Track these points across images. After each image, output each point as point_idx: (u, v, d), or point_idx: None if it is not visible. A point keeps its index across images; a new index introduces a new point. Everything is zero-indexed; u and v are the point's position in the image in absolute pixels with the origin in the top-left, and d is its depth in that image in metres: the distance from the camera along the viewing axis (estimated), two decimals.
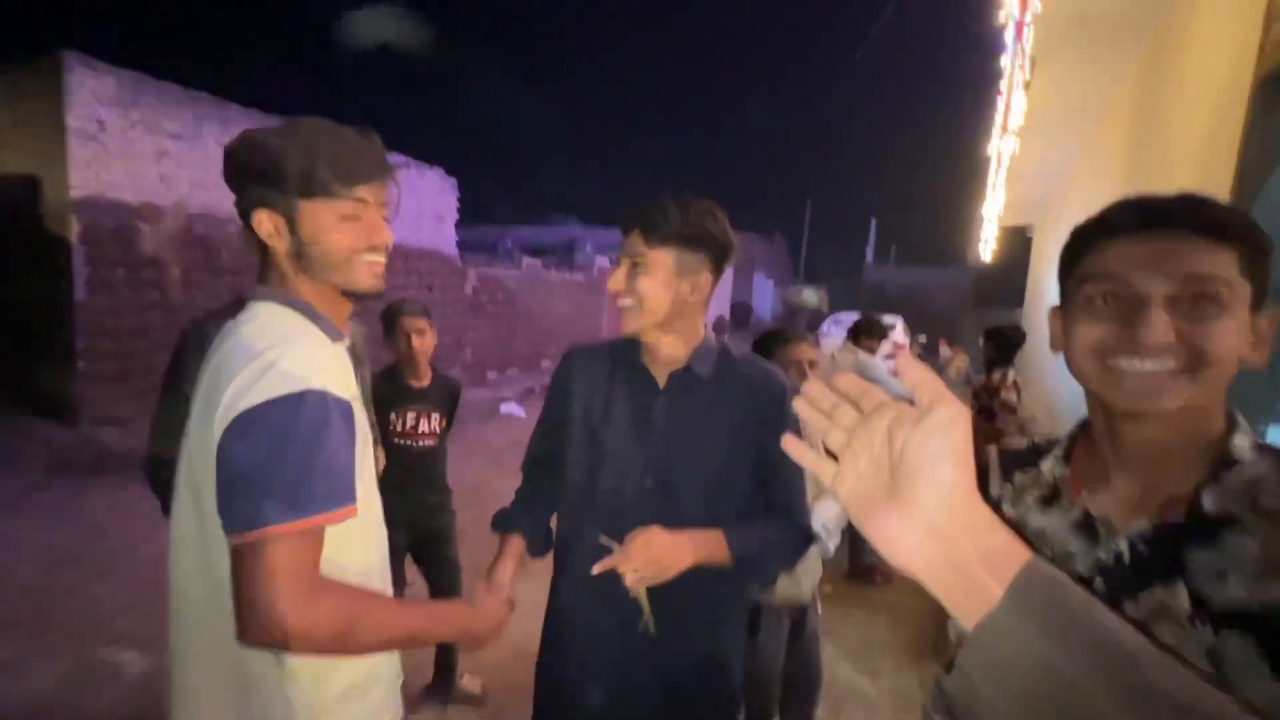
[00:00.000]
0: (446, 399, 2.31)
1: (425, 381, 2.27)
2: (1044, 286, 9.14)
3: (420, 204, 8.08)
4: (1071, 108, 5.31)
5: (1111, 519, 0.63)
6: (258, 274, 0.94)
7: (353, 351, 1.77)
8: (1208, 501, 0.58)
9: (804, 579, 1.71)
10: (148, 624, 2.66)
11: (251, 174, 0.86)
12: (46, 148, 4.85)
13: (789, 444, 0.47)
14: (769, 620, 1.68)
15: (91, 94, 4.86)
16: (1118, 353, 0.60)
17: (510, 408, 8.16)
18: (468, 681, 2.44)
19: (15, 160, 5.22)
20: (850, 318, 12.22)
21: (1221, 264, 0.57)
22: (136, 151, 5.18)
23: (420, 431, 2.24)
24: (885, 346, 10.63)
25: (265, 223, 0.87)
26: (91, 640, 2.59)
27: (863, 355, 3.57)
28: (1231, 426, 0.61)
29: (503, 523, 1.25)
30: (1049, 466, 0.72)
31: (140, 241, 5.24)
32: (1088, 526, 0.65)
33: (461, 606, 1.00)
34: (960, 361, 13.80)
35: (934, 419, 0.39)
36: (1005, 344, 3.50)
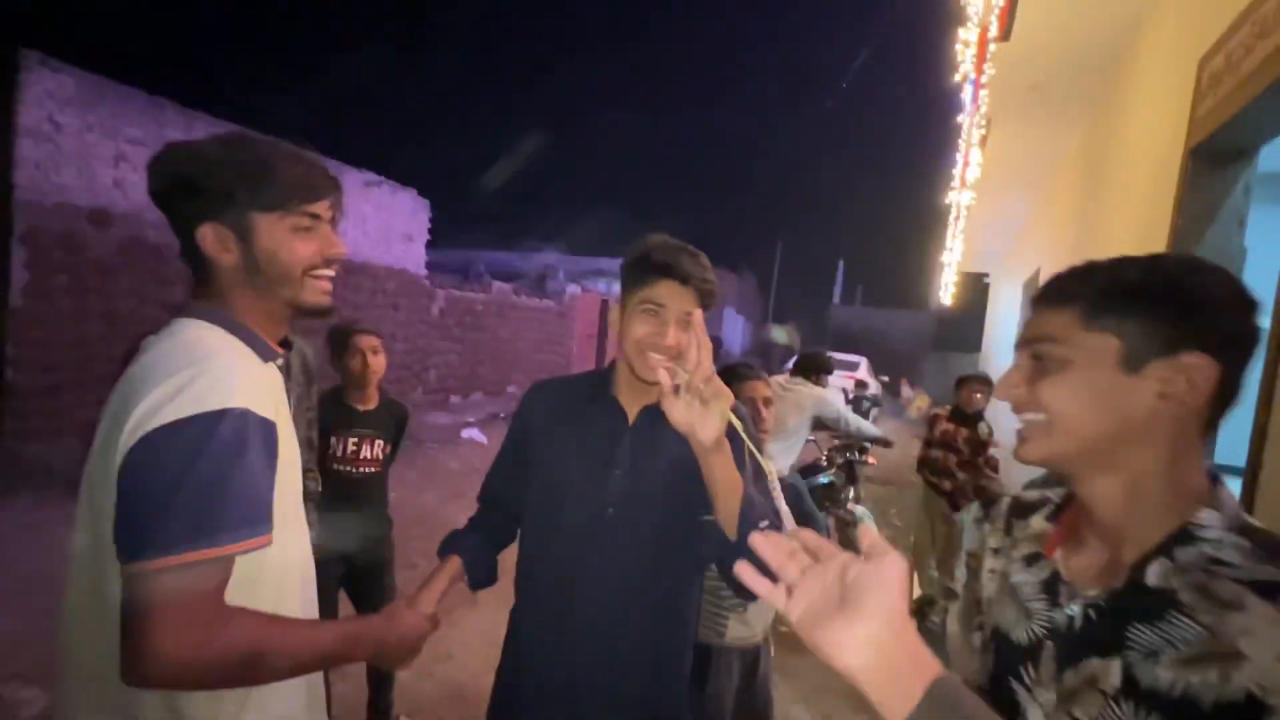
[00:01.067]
0: (392, 425, 2.23)
1: (371, 405, 2.19)
2: (1000, 330, 9.53)
3: (391, 223, 7.99)
4: (1024, 165, 5.62)
5: (1076, 583, 0.63)
6: (192, 289, 0.90)
7: (304, 369, 1.69)
8: (1151, 575, 0.57)
9: (755, 620, 1.68)
10: (49, 659, 2.45)
11: (194, 186, 0.83)
12: None
13: (742, 570, 0.54)
14: (719, 663, 1.64)
15: (47, 93, 4.70)
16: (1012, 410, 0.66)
17: (472, 433, 7.98)
18: None
19: None
20: None
21: (1055, 324, 0.62)
22: (92, 154, 5.00)
23: (362, 457, 2.15)
24: (840, 382, 10.74)
25: (211, 237, 0.84)
26: None
27: (817, 390, 3.56)
28: (1206, 500, 0.59)
29: (446, 547, 1.23)
30: (1037, 522, 0.72)
31: (87, 247, 5.02)
32: (1053, 586, 0.65)
33: (379, 621, 0.95)
34: (921, 401, 14.14)
35: (887, 558, 0.49)
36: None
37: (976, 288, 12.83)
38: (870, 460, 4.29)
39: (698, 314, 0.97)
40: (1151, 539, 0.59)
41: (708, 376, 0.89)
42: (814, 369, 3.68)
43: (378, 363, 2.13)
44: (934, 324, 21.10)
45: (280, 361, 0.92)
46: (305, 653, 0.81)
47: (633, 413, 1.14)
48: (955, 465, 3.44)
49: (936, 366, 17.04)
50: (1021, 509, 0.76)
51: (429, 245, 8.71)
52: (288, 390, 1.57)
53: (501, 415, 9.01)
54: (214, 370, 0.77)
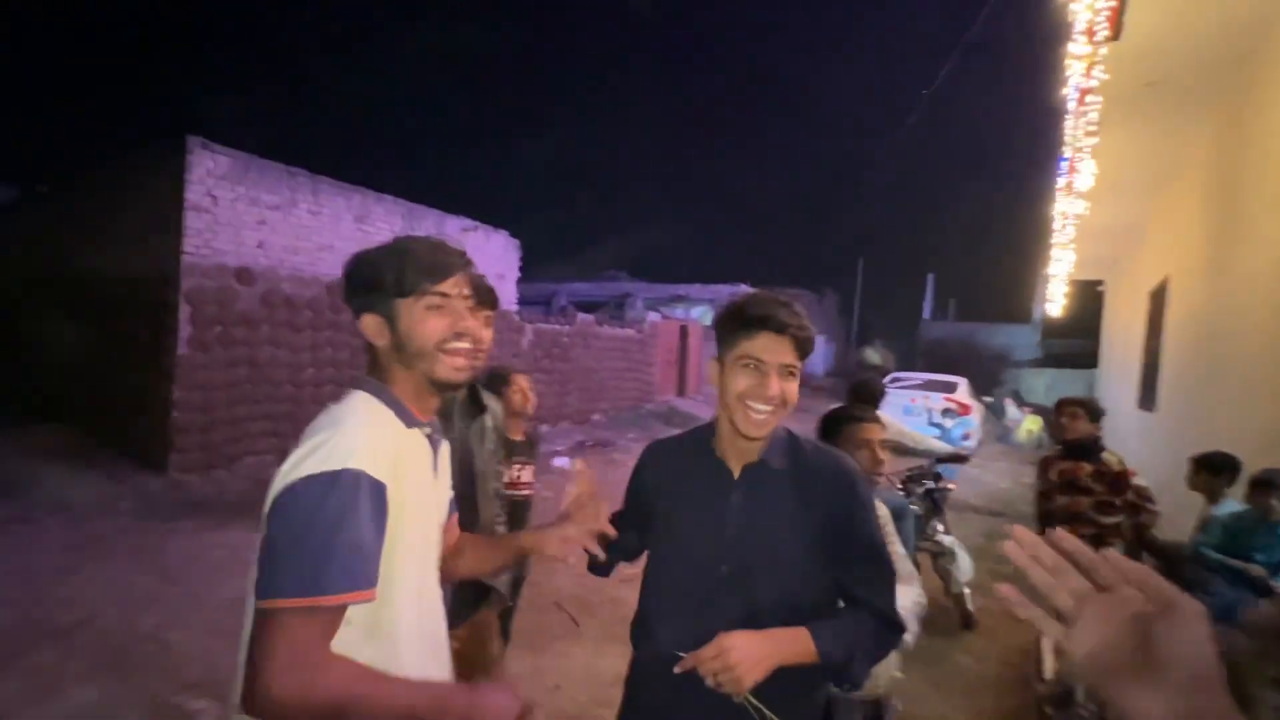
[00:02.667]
0: (533, 450, 2.52)
1: (521, 436, 2.46)
2: (1118, 342, 8.67)
3: (486, 265, 8.53)
4: (1142, 168, 5.19)
5: None
6: (366, 366, 1.04)
7: (496, 428, 1.83)
8: None
9: (879, 671, 1.62)
10: (217, 672, 2.75)
11: (360, 285, 0.99)
12: (165, 219, 5.45)
13: (1005, 591, 0.50)
14: (840, 715, 1.59)
15: (207, 172, 5.47)
16: None
17: (562, 462, 8.21)
18: None
19: (137, 229, 5.87)
20: (910, 377, 11.83)
21: None
22: (240, 221, 5.74)
23: (521, 482, 2.39)
24: (941, 403, 10.04)
25: (370, 325, 0.98)
26: (166, 687, 2.69)
27: (881, 416, 3.41)
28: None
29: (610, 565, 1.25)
30: None
31: (235, 302, 5.72)
32: None
33: (469, 693, 0.93)
34: (1032, 423, 12.98)
35: (1187, 610, 0.45)
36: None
37: (1090, 297, 11.79)
38: (950, 485, 3.97)
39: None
40: None
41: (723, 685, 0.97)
42: (870, 397, 3.48)
43: (533, 397, 2.50)
44: (1041, 338, 19.50)
45: (426, 430, 1.03)
46: (394, 709, 0.83)
47: (737, 469, 1.14)
48: (1091, 508, 2.88)
49: (1045, 383, 15.68)
50: None
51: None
52: (481, 446, 1.72)
53: (589, 443, 9.22)
54: (342, 434, 0.87)
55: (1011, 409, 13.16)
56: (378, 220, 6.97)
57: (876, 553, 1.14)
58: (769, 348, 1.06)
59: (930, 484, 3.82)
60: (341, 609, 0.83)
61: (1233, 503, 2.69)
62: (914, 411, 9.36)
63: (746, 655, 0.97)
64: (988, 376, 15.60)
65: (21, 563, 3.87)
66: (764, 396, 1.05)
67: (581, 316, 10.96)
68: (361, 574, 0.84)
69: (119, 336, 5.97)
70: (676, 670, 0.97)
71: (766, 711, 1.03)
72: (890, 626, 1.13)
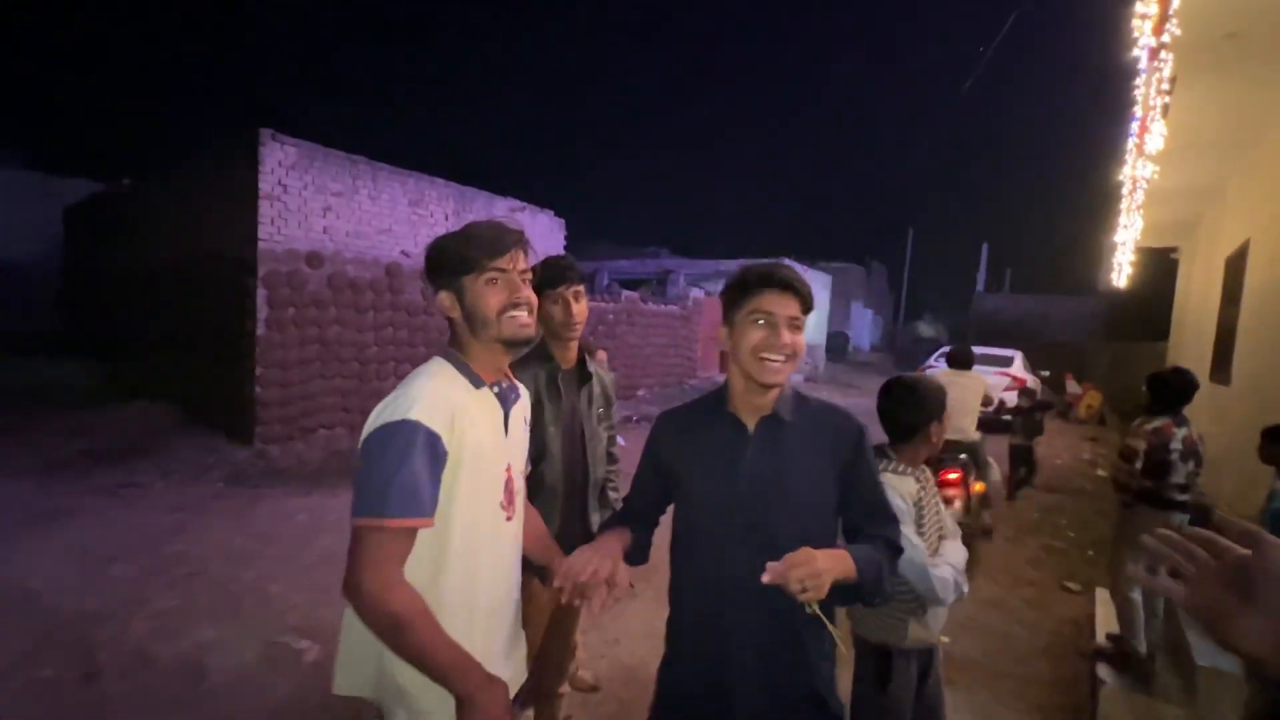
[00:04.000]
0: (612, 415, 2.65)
1: None
2: (1194, 313, 8.20)
3: (533, 244, 8.72)
4: (1221, 126, 4.88)
5: None
6: (449, 338, 1.20)
7: (604, 394, 2.01)
8: None
9: (933, 622, 1.71)
10: (315, 616, 3.06)
11: (434, 267, 1.16)
12: (241, 207, 5.82)
13: (1138, 575, 0.62)
14: (900, 667, 1.69)
15: (278, 162, 5.80)
16: None
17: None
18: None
19: (217, 218, 6.28)
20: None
21: None
22: (308, 208, 6.07)
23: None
24: (1003, 380, 9.79)
25: (445, 300, 1.15)
26: (273, 629, 3.02)
27: (982, 376, 4.07)
28: None
29: (613, 522, 1.35)
30: None
31: (306, 285, 6.09)
32: None
33: (480, 676, 1.02)
34: (1092, 399, 12.52)
35: (1269, 545, 0.54)
36: (1170, 394, 2.87)
37: (1160, 265, 11.13)
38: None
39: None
40: None
41: (808, 592, 1.02)
42: (965, 361, 4.55)
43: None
44: (1105, 309, 18.50)
45: (496, 389, 1.18)
46: (431, 653, 0.99)
47: (751, 424, 1.21)
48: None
49: (1110, 358, 14.91)
50: None
51: None
52: (590, 411, 1.87)
53: (635, 419, 9.40)
54: (408, 391, 1.06)
55: (1070, 384, 12.65)
56: (431, 204, 7.23)
57: (878, 493, 1.26)
58: (776, 302, 1.16)
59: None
60: (405, 532, 1.02)
61: None
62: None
63: (826, 565, 1.04)
64: (1045, 350, 14.96)
65: (138, 521, 4.33)
66: (776, 346, 1.14)
67: (626, 294, 11.08)
68: (415, 504, 1.01)
69: (204, 319, 6.45)
70: (764, 580, 1.02)
71: (827, 621, 1.14)
72: (896, 551, 1.26)
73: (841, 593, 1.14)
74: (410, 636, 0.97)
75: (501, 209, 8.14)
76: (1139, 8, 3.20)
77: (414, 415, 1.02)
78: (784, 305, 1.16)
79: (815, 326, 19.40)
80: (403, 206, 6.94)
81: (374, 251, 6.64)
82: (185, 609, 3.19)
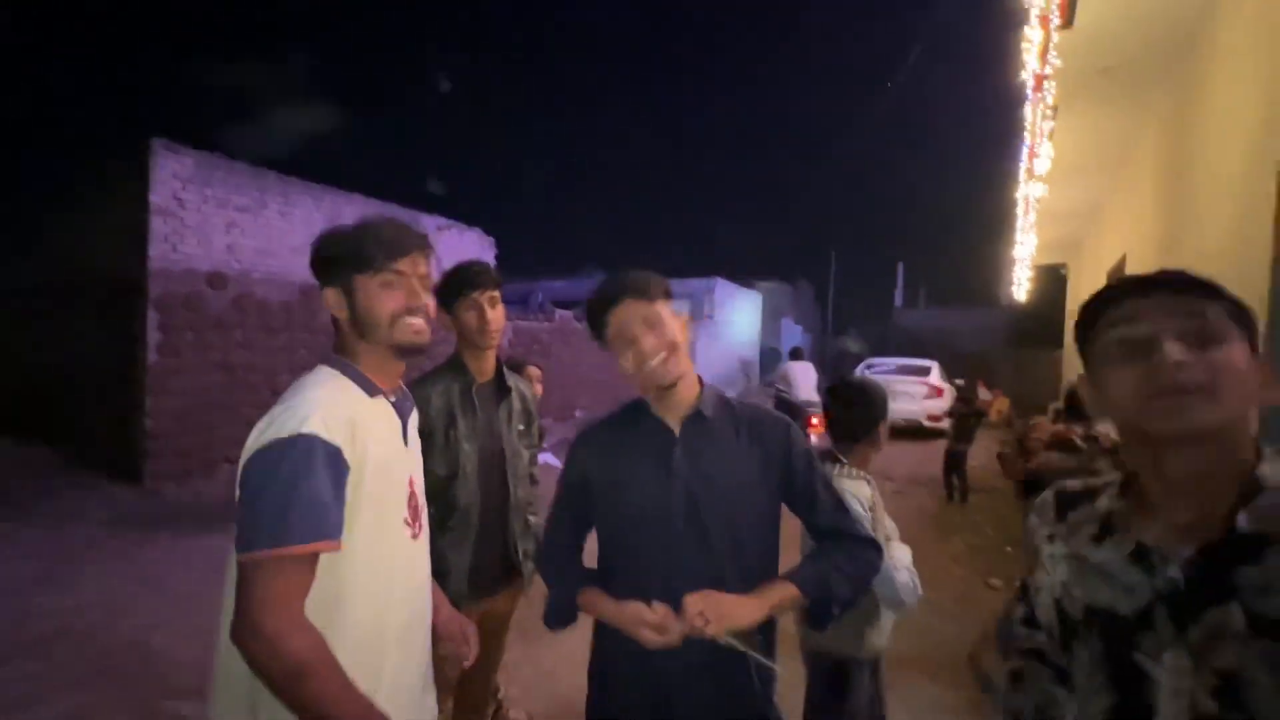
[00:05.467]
0: (541, 441, 2.52)
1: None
2: None
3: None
4: (1098, 151, 5.39)
5: (1165, 547, 0.69)
6: (334, 342, 1.09)
7: (524, 409, 1.87)
8: (1242, 522, 0.65)
9: (887, 628, 1.70)
10: (205, 676, 2.72)
11: (321, 261, 1.06)
12: (130, 224, 5.31)
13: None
14: (857, 675, 1.66)
15: (173, 174, 5.35)
16: (1148, 385, 0.67)
17: (546, 457, 8.23)
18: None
19: (101, 236, 5.71)
20: (884, 362, 12.06)
21: (1212, 310, 0.67)
22: (209, 225, 5.62)
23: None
24: (922, 388, 10.28)
25: (331, 298, 1.05)
26: (154, 692, 2.66)
27: None
28: (1259, 457, 0.68)
29: (570, 603, 1.24)
30: (1106, 503, 0.78)
31: (207, 307, 5.61)
32: (1143, 556, 0.71)
33: None
34: (1001, 404, 13.36)
35: None
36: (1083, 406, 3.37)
37: (1053, 280, 12.16)
38: None
39: None
40: (1231, 492, 0.66)
41: (711, 629, 1.02)
42: (800, 355, 4.41)
43: (539, 390, 2.53)
44: (1008, 321, 20.04)
45: (393, 398, 1.08)
46: (332, 707, 0.85)
47: (677, 425, 1.17)
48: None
49: (1014, 365, 16.13)
50: (1070, 498, 0.82)
51: None
52: (509, 428, 1.74)
53: (571, 439, 9.24)
54: (297, 403, 0.94)
55: (982, 390, 13.51)
56: (348, 220, 6.87)
57: (827, 485, 1.23)
58: (621, 316, 1.13)
59: None
60: (308, 559, 0.89)
61: None
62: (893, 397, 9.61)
63: (731, 603, 1.04)
64: (958, 360, 16.00)
65: None
66: (644, 354, 1.12)
67: (560, 313, 10.95)
68: (320, 526, 0.89)
69: (87, 346, 5.81)
70: (679, 639, 1.01)
71: (754, 652, 1.09)
72: (865, 544, 1.21)
73: (808, 615, 1.15)
74: (310, 687, 0.84)
75: (426, 226, 7.86)
76: (1027, 35, 3.48)
77: (308, 429, 0.90)
78: (629, 313, 1.13)
79: (749, 343, 19.90)
80: (318, 223, 6.57)
81: (286, 271, 6.23)
82: (50, 672, 2.78)
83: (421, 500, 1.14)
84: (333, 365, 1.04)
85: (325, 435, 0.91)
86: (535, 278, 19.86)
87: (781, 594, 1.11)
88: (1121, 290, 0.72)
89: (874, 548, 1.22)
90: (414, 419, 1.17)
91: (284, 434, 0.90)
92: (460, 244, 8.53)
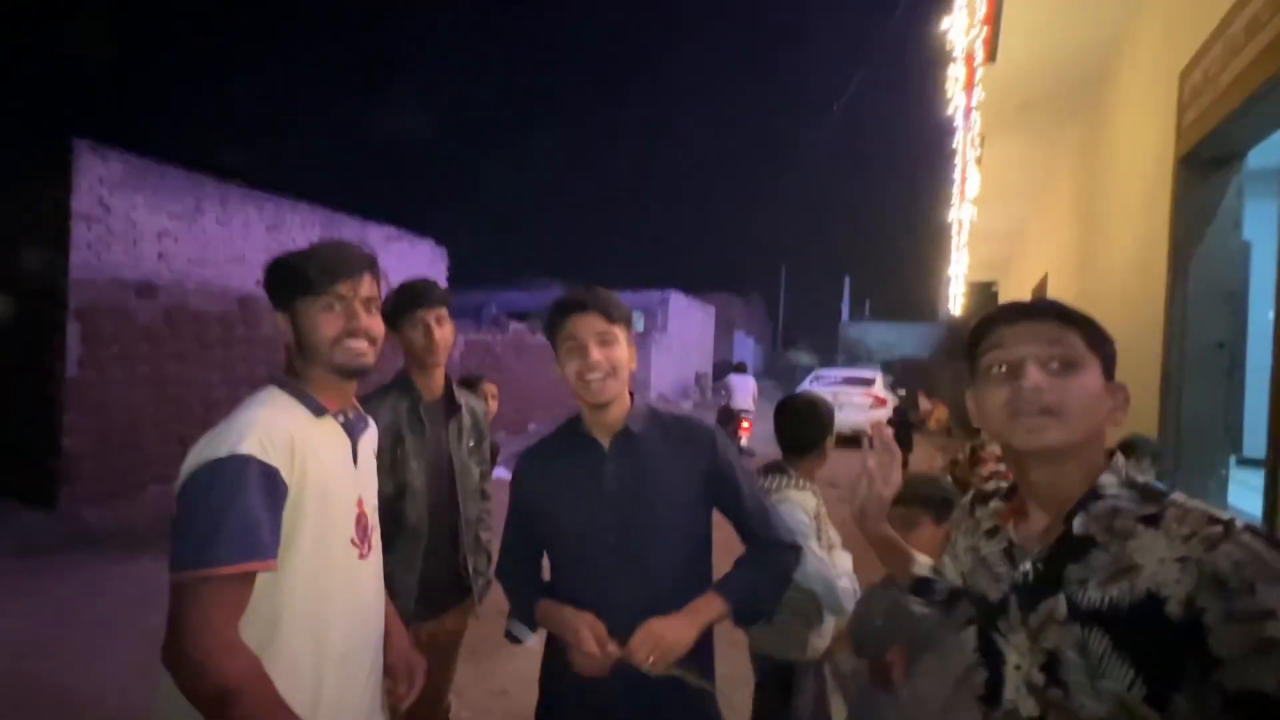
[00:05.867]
0: (495, 458, 2.49)
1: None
2: None
3: (412, 274, 8.29)
4: (1022, 178, 5.80)
5: (1025, 546, 0.81)
6: (284, 363, 1.10)
7: (475, 425, 1.87)
8: (1077, 525, 0.76)
9: (828, 633, 1.77)
10: (130, 710, 2.56)
11: (271, 286, 1.08)
12: (50, 230, 4.97)
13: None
14: (802, 678, 1.72)
15: (99, 178, 5.05)
16: (1011, 406, 0.77)
17: (499, 471, 8.10)
18: None
19: (18, 242, 5.31)
20: (830, 373, 12.47)
21: (1069, 339, 0.77)
22: (138, 232, 5.33)
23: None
24: (867, 399, 10.66)
25: (280, 322, 1.07)
26: None
27: None
28: (1104, 468, 0.77)
29: (529, 613, 1.28)
30: (994, 506, 0.91)
31: (135, 319, 5.29)
32: (1010, 552, 0.83)
33: None
34: (940, 413, 13.99)
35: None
36: None
37: (985, 297, 12.89)
38: None
39: None
40: (1073, 500, 0.77)
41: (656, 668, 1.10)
42: (743, 369, 4.36)
43: (494, 406, 2.61)
44: (946, 334, 21.09)
45: (341, 419, 1.08)
46: None
47: (607, 442, 1.22)
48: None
49: (951, 376, 16.97)
50: (983, 496, 0.95)
51: None
52: (459, 445, 1.74)
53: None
54: (235, 423, 0.95)
55: (923, 400, 14.13)
56: (293, 230, 6.65)
57: (754, 493, 1.30)
58: (580, 325, 1.18)
59: None
60: (241, 578, 0.89)
61: None
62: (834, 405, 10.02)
63: (669, 634, 1.10)
64: (900, 372, 16.70)
65: None
66: (589, 366, 1.16)
67: (514, 325, 10.85)
68: (252, 545, 0.89)
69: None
70: (613, 664, 1.08)
71: (692, 677, 1.14)
72: (787, 549, 1.29)
73: (737, 618, 1.22)
74: (237, 710, 0.83)
75: (376, 237, 7.69)
76: (951, 71, 3.73)
77: (243, 449, 0.91)
78: (588, 325, 1.18)
79: (702, 354, 20.19)
80: (259, 232, 6.32)
81: (223, 281, 5.95)
82: None
83: (373, 520, 1.13)
84: (280, 385, 1.05)
85: (260, 455, 0.92)
86: (488, 289, 19.60)
87: (710, 609, 1.18)
88: (998, 318, 0.82)
89: (793, 551, 1.30)
90: (368, 438, 1.17)
91: (219, 454, 0.90)
92: (411, 255, 8.37)
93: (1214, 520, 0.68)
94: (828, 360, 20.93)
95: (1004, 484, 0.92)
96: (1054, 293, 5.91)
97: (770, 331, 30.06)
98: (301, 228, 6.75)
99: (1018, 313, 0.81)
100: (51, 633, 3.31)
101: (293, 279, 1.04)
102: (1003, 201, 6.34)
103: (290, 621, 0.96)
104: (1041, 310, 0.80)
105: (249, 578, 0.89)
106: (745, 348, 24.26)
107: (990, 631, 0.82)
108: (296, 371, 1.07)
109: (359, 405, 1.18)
